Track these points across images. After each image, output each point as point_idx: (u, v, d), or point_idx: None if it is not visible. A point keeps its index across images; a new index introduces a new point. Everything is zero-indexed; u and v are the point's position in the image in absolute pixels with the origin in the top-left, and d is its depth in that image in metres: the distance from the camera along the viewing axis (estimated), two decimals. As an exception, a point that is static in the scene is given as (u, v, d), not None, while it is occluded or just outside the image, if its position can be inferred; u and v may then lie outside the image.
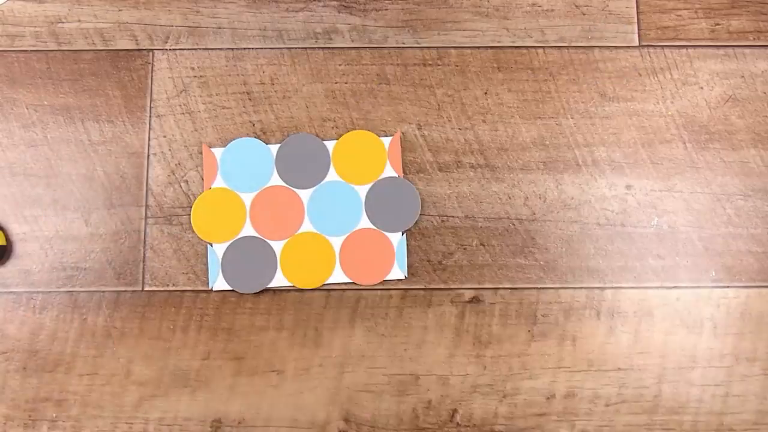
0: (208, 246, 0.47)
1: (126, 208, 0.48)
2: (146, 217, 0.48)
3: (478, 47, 0.50)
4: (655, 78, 0.49)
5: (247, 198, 0.48)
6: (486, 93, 0.49)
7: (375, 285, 0.47)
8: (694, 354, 0.47)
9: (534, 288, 0.47)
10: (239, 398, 0.46)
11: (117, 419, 0.46)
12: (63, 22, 0.50)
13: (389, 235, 0.47)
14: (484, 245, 0.48)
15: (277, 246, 0.47)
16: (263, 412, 0.46)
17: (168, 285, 0.47)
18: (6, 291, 0.48)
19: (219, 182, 0.48)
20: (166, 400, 0.46)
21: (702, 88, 0.49)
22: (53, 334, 0.47)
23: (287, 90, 0.49)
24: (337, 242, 0.47)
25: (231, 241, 0.47)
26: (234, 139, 0.49)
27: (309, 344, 0.47)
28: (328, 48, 0.50)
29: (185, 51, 0.50)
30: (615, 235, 0.48)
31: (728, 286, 0.47)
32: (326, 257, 0.47)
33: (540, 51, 0.50)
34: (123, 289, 0.48)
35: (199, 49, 0.50)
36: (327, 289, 0.47)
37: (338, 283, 0.47)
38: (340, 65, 0.50)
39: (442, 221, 0.48)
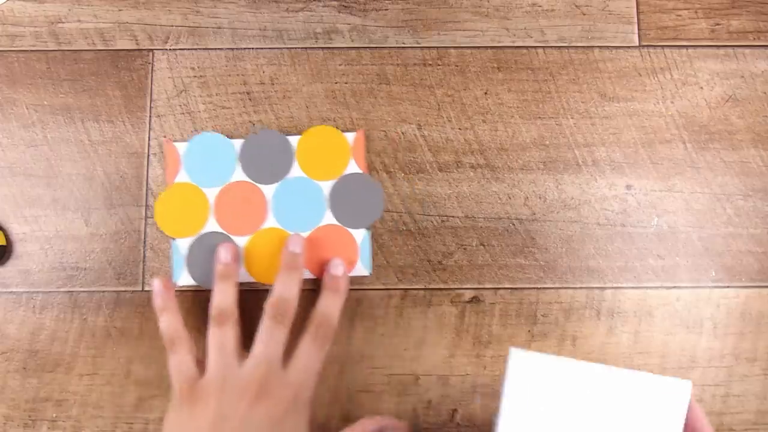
0: (172, 241, 0.47)
1: (126, 208, 0.48)
2: (146, 217, 0.48)
3: (478, 47, 0.50)
4: (655, 78, 0.49)
5: (211, 193, 0.48)
6: (486, 93, 0.49)
7: (375, 285, 0.47)
8: (694, 354, 0.47)
9: (534, 288, 0.47)
10: (239, 398, 0.46)
11: (117, 419, 0.46)
12: (63, 22, 0.50)
13: (353, 231, 0.47)
14: (484, 245, 0.48)
15: (241, 241, 0.47)
16: (263, 412, 0.46)
17: (168, 285, 0.47)
18: (6, 291, 0.48)
19: (182, 177, 0.48)
20: (166, 400, 0.46)
21: (702, 88, 0.49)
22: (53, 334, 0.47)
23: (287, 90, 0.49)
24: None
25: (195, 237, 0.47)
26: (197, 134, 0.48)
27: (309, 344, 0.47)
28: (328, 48, 0.50)
29: (185, 51, 0.50)
30: (615, 235, 0.48)
31: (728, 286, 0.47)
32: None
33: (540, 51, 0.50)
34: (123, 289, 0.48)
35: (199, 49, 0.50)
36: (327, 289, 0.47)
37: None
38: (340, 65, 0.50)
39: (442, 221, 0.48)
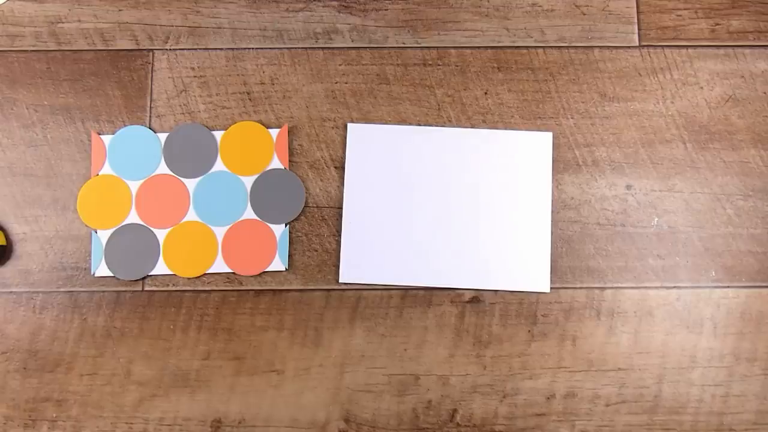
0: (92, 232, 0.47)
1: (126, 208, 0.48)
2: (146, 217, 0.48)
3: (478, 47, 0.50)
4: (655, 78, 0.49)
5: (134, 185, 0.48)
6: (486, 93, 0.49)
7: (374, 284, 0.47)
8: (694, 354, 0.47)
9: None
10: (239, 398, 0.46)
11: (117, 419, 0.46)
12: (63, 22, 0.50)
13: (273, 226, 0.47)
14: (484, 245, 0.48)
15: (161, 234, 0.47)
16: (263, 412, 0.46)
17: (168, 285, 0.47)
18: (6, 291, 0.48)
19: (106, 169, 0.48)
20: (166, 400, 0.46)
21: (702, 88, 0.49)
22: (53, 334, 0.47)
23: (287, 90, 0.49)
24: (220, 232, 0.47)
25: (115, 228, 0.47)
26: (123, 127, 0.48)
27: (309, 344, 0.47)
28: (328, 48, 0.50)
29: (185, 51, 0.50)
30: (615, 235, 0.48)
31: (728, 286, 0.47)
32: (208, 247, 0.47)
33: (540, 51, 0.50)
34: (123, 289, 0.48)
35: (199, 49, 0.50)
36: (327, 289, 0.47)
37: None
38: (340, 65, 0.50)
39: (442, 221, 0.48)
